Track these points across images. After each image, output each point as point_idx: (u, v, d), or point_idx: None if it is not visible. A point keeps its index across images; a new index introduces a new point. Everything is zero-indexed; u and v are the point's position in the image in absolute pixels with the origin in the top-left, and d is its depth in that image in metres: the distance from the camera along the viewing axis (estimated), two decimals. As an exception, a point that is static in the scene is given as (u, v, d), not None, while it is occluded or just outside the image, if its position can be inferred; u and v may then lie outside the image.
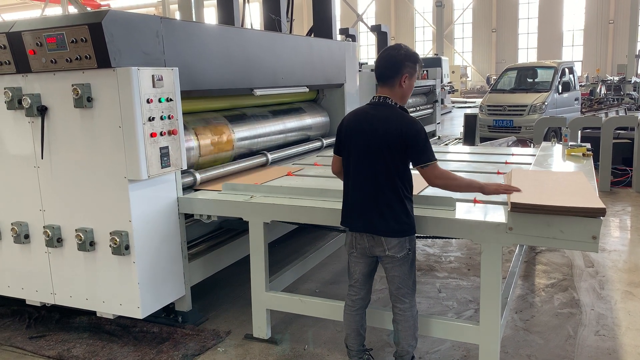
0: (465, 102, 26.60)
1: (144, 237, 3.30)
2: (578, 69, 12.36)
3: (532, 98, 11.18)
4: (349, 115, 2.90)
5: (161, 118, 3.25)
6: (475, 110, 12.50)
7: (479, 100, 24.69)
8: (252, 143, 4.62)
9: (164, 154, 3.28)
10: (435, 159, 2.69)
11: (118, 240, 3.21)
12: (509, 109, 11.31)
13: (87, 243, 3.33)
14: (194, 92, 3.80)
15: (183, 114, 3.50)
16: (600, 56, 33.89)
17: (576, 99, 12.28)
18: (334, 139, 2.98)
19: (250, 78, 4.37)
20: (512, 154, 5.27)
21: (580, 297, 4.05)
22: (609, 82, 20.74)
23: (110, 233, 3.25)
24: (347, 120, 2.86)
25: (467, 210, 3.03)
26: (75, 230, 3.34)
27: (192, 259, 3.76)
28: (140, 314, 3.32)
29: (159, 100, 3.23)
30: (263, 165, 4.64)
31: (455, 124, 17.48)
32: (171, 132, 3.33)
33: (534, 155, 4.79)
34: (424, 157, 2.67)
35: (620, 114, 12.64)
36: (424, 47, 38.19)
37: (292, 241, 5.20)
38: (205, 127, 4.11)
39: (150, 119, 3.16)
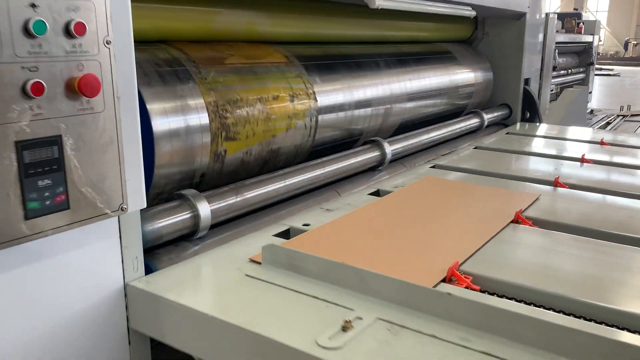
0: (601, 69, 22.42)
1: None
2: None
3: None
4: None
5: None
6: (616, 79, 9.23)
7: (617, 68, 20.89)
8: (352, 119, 2.16)
9: (42, 172, 0.90)
10: None
11: None
12: None
13: None
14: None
15: (167, 43, 1.08)
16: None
17: None
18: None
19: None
20: None
21: None
22: None
23: None
24: None
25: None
26: None
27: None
28: None
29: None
30: (374, 168, 2.17)
31: (594, 94, 13.75)
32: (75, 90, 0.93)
33: None
34: None
35: None
36: (550, 3, 33.46)
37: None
38: (236, 75, 1.69)
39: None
